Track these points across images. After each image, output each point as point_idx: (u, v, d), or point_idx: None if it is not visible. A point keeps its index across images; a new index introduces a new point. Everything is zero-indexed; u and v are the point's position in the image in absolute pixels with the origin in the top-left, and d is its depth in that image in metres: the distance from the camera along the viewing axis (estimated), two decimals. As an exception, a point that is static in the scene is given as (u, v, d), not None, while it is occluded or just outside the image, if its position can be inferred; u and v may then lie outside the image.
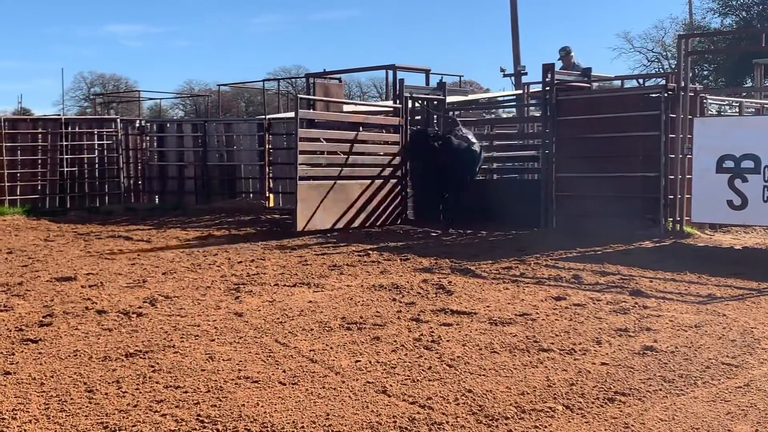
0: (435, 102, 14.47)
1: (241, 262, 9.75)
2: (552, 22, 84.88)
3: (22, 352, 5.52)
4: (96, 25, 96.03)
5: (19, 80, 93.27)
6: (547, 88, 12.78)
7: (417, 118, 14.70)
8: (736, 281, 8.14)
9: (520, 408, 4.32)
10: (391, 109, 14.58)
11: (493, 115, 20.62)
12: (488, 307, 6.94)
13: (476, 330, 6.10)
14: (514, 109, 17.18)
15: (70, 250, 11.17)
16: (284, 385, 4.75)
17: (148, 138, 19.17)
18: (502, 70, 22.00)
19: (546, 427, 4.08)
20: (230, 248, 11.13)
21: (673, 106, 11.38)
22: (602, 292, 7.56)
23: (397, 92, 14.12)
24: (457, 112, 15.16)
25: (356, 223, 13.19)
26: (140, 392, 4.61)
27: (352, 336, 5.94)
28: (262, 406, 4.36)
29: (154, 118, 32.33)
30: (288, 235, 12.36)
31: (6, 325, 6.34)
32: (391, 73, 15.05)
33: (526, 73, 20.81)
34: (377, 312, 6.76)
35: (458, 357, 5.33)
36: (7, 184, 16.44)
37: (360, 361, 5.27)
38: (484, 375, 4.94)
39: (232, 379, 4.85)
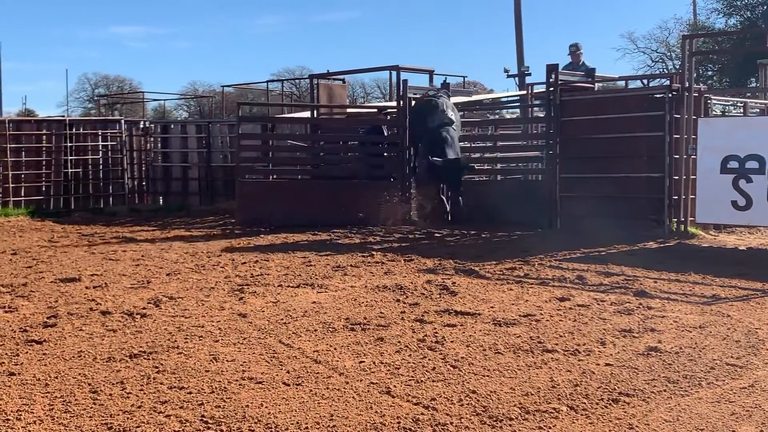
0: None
1: (245, 262, 9.75)
2: (556, 22, 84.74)
3: (27, 353, 5.53)
4: (100, 27, 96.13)
5: (23, 82, 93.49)
6: (551, 89, 12.77)
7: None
8: (740, 282, 8.13)
9: (524, 409, 4.31)
10: (395, 109, 14.57)
11: (496, 116, 20.60)
12: (492, 307, 6.93)
13: (480, 331, 6.10)
14: (517, 110, 17.15)
15: (75, 251, 11.18)
16: (288, 385, 4.75)
17: (152, 139, 19.22)
18: (506, 71, 21.92)
19: (550, 428, 4.08)
20: (234, 249, 11.12)
21: (677, 107, 11.36)
22: (606, 293, 7.55)
23: (401, 93, 14.11)
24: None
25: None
26: (144, 393, 4.61)
27: (356, 337, 5.95)
28: (266, 407, 4.36)
29: (158, 119, 32.30)
30: (293, 236, 12.36)
31: (11, 326, 6.35)
32: (394, 74, 15.05)
33: (529, 74, 20.76)
34: (381, 313, 6.76)
35: (462, 358, 5.33)
36: (11, 185, 16.47)
37: (364, 361, 5.27)
38: (488, 376, 4.93)
39: (236, 380, 4.85)
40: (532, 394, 4.56)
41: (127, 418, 4.20)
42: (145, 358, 5.35)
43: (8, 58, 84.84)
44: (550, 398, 4.50)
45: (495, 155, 14.99)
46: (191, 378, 4.90)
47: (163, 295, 7.52)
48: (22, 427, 4.11)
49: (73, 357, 5.41)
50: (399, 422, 4.14)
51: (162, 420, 4.18)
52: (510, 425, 4.10)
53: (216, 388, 4.70)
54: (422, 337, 5.89)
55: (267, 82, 24.83)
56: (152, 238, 12.69)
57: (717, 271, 8.58)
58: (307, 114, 16.92)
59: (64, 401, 4.47)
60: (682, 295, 7.47)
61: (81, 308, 7.01)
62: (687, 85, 11.32)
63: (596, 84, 14.69)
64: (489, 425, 4.11)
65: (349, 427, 4.09)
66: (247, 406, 4.38)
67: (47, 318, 6.60)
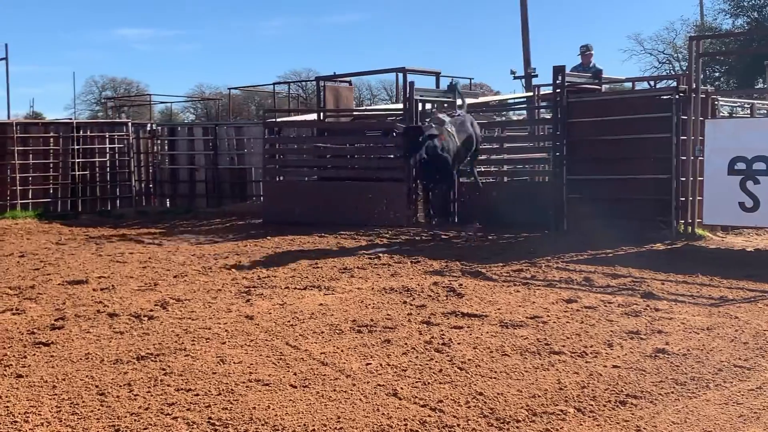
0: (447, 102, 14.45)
1: (252, 264, 9.75)
2: (562, 24, 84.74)
3: (34, 355, 5.55)
4: (107, 30, 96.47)
5: (30, 84, 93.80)
6: (558, 91, 12.76)
7: (427, 120, 14.69)
8: (748, 283, 8.10)
9: (532, 411, 4.31)
10: (401, 111, 14.57)
11: (503, 118, 20.60)
12: (499, 309, 6.93)
13: (487, 333, 6.09)
14: (524, 112, 17.16)
15: (82, 253, 11.21)
16: (295, 387, 4.76)
17: (159, 141, 19.24)
18: (513, 73, 22.01)
19: (557, 429, 4.07)
20: (241, 251, 11.14)
21: (684, 108, 11.33)
22: (614, 295, 7.53)
23: (407, 95, 14.11)
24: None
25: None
26: (152, 395, 4.62)
27: (363, 339, 5.95)
28: (273, 409, 4.36)
29: (165, 121, 32.39)
30: (299, 238, 12.37)
31: (18, 328, 6.37)
32: (401, 75, 15.06)
33: (536, 76, 20.82)
34: (388, 315, 6.75)
35: (469, 360, 5.33)
36: (19, 187, 16.51)
37: (371, 363, 5.27)
38: (495, 378, 4.93)
39: (243, 382, 4.86)
40: (539, 396, 4.56)
41: (135, 420, 4.20)
42: (152, 360, 5.36)
43: (16, 61, 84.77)
44: (557, 400, 4.49)
45: (502, 157, 14.97)
46: (198, 380, 4.91)
47: (170, 297, 7.53)
48: (29, 428, 4.13)
49: (81, 359, 5.42)
50: (406, 424, 4.14)
51: (169, 422, 4.19)
52: (517, 427, 4.10)
53: (223, 390, 4.70)
54: (429, 339, 5.89)
55: (273, 84, 24.91)
56: (159, 240, 12.71)
57: (724, 272, 8.56)
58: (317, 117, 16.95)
59: (71, 403, 4.49)
60: (689, 297, 7.45)
61: (88, 310, 7.02)
62: (694, 86, 11.30)
63: (603, 85, 14.66)
64: (496, 427, 4.10)
65: (356, 429, 4.09)
66: (254, 408, 4.39)
67: (55, 320, 6.61)
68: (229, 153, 18.43)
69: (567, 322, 6.43)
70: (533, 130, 15.50)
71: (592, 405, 4.40)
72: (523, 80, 21.62)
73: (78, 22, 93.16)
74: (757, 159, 10.08)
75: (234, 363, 5.30)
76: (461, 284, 8.10)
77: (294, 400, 4.52)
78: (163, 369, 5.15)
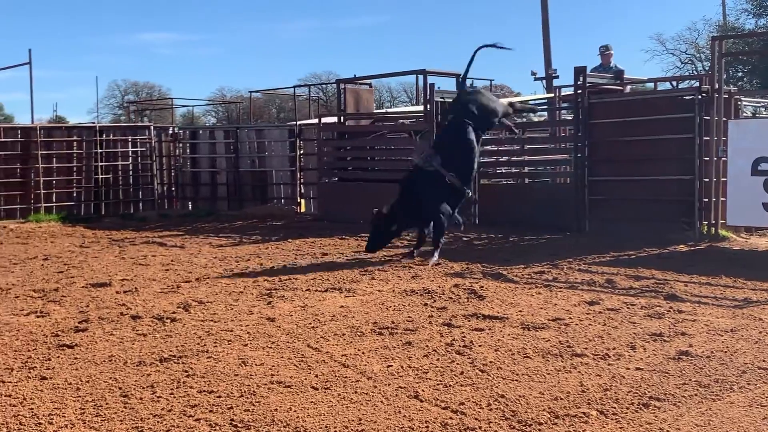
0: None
1: (273, 267, 9.79)
2: (584, 24, 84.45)
3: (58, 357, 5.59)
4: (129, 34, 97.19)
5: (54, 89, 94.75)
6: (579, 91, 12.71)
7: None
8: (772, 285, 8.03)
9: (554, 413, 4.29)
10: (422, 114, 14.57)
11: (524, 119, 20.52)
12: (521, 311, 6.91)
13: (509, 335, 6.07)
14: (545, 113, 17.08)
15: (105, 256, 11.29)
16: (316, 389, 4.77)
17: (181, 145, 19.34)
18: (533, 74, 21.86)
19: (580, 432, 4.06)
20: (262, 254, 11.18)
21: (707, 109, 11.26)
22: (636, 297, 7.49)
23: (428, 97, 14.11)
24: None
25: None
26: (174, 397, 4.64)
27: (384, 341, 5.95)
28: (294, 411, 4.37)
29: (187, 125, 32.58)
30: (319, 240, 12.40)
31: (42, 330, 6.42)
32: (421, 77, 15.06)
33: (557, 77, 20.68)
34: (409, 317, 6.75)
35: (491, 362, 5.31)
36: (42, 191, 16.65)
37: (392, 366, 5.27)
38: (516, 380, 4.92)
39: (265, 384, 4.87)
40: (561, 399, 4.54)
41: (158, 422, 4.23)
42: (175, 362, 5.38)
43: (39, 65, 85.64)
44: (579, 403, 4.47)
45: (522, 158, 14.92)
46: (221, 382, 4.93)
47: (192, 300, 7.57)
48: (53, 430, 4.16)
49: (104, 361, 5.46)
50: (427, 427, 4.13)
51: (192, 424, 4.21)
52: (539, 430, 4.08)
53: (245, 392, 4.72)
54: (450, 341, 5.88)
55: (294, 87, 24.92)
56: (182, 243, 12.78)
57: (748, 274, 8.49)
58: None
59: (95, 405, 4.52)
60: (713, 299, 7.40)
61: (112, 313, 7.07)
62: (717, 86, 11.22)
63: (625, 86, 14.58)
64: (518, 430, 4.09)
65: (378, 431, 4.09)
66: (276, 410, 4.40)
67: (78, 322, 6.66)
68: (250, 156, 18.49)
69: (589, 324, 6.40)
70: (554, 132, 15.44)
71: (614, 407, 4.37)
72: (544, 81, 21.50)
73: (101, 27, 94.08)
74: (781, 159, 10.00)
75: (256, 365, 5.32)
76: (482, 286, 8.09)
77: (315, 402, 4.53)
78: (186, 371, 5.17)
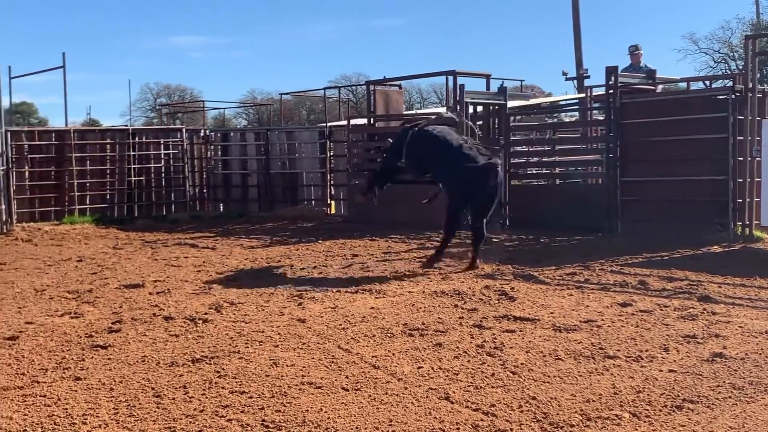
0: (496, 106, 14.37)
1: (303, 268, 9.82)
2: (615, 24, 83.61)
3: (92, 357, 5.65)
4: (161, 38, 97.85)
5: (88, 92, 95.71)
6: (611, 91, 12.62)
7: (479, 123, 14.65)
8: (809, 286, 7.92)
9: (586, 415, 4.26)
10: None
11: (555, 120, 20.43)
12: (552, 313, 6.87)
13: (540, 336, 6.04)
14: (576, 113, 17.01)
15: (138, 257, 11.39)
16: (347, 391, 4.77)
17: (212, 147, 19.46)
18: (564, 74, 21.74)
19: (612, 435, 4.02)
20: (293, 255, 11.22)
21: (740, 108, 11.13)
22: (669, 298, 7.42)
23: (458, 98, 14.08)
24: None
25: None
26: (206, 397, 4.68)
27: (414, 342, 5.94)
28: (325, 412, 4.38)
29: (218, 127, 32.83)
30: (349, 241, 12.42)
31: (76, 331, 6.49)
32: (451, 78, 15.02)
33: (588, 77, 20.56)
34: (439, 318, 6.74)
35: (522, 364, 5.29)
36: (77, 193, 16.82)
37: (422, 367, 5.26)
38: (548, 382, 4.89)
39: (296, 385, 4.89)
40: (593, 401, 4.51)
41: (190, 422, 4.26)
42: (206, 363, 5.42)
43: (73, 69, 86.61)
44: (612, 405, 4.44)
45: (554, 159, 14.84)
46: (252, 383, 4.95)
47: (224, 301, 7.62)
48: (87, 430, 4.20)
49: (137, 362, 5.51)
50: (458, 428, 4.12)
51: (224, 424, 4.23)
52: (571, 432, 4.06)
53: (276, 392, 4.74)
54: (481, 342, 5.86)
55: (324, 89, 25.00)
56: (213, 244, 12.85)
57: (784, 275, 8.38)
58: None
59: (128, 405, 4.56)
60: (747, 300, 7.31)
61: (144, 314, 7.13)
62: (750, 85, 11.09)
63: (658, 86, 14.46)
64: (549, 432, 4.07)
65: (409, 432, 4.09)
66: (307, 410, 4.41)
67: (112, 323, 6.73)
68: (281, 158, 18.56)
69: (622, 326, 6.35)
70: (586, 132, 15.34)
71: (647, 410, 4.34)
72: (575, 81, 21.38)
73: (133, 31, 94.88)
74: (816, 159, 9.86)
75: (287, 366, 5.34)
76: (513, 288, 8.05)
77: (346, 403, 4.54)
78: (218, 371, 5.21)
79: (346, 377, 5.05)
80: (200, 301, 7.72)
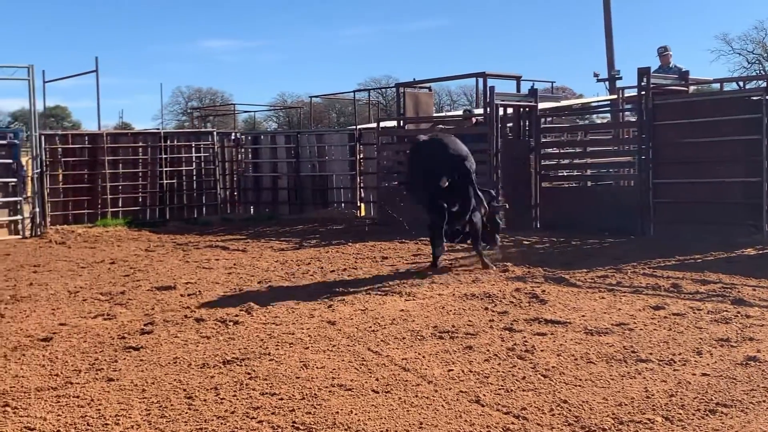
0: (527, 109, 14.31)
1: (333, 270, 9.84)
2: (647, 25, 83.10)
3: (125, 359, 5.70)
4: (192, 42, 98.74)
5: (120, 96, 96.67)
6: (643, 93, 12.52)
7: (509, 125, 14.61)
8: None
9: (618, 419, 4.23)
10: (482, 117, 14.51)
11: (586, 121, 20.32)
12: (583, 316, 6.82)
13: (571, 340, 6.00)
14: (608, 115, 16.88)
15: (170, 260, 11.48)
16: (377, 393, 4.77)
17: (243, 150, 19.59)
18: (596, 75, 21.59)
19: (644, 439, 3.99)
20: (323, 257, 11.25)
21: (774, 109, 10.99)
22: (703, 301, 7.34)
23: (488, 100, 14.04)
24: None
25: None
26: (237, 399, 4.70)
27: (445, 345, 5.93)
28: (355, 414, 4.39)
29: (249, 130, 33.02)
30: (380, 244, 12.42)
31: (109, 333, 6.56)
32: (481, 80, 15.00)
33: (620, 78, 20.41)
34: (469, 321, 6.72)
35: (553, 367, 5.26)
36: (109, 196, 17.00)
37: (453, 370, 5.25)
38: (579, 385, 4.86)
39: (326, 387, 4.90)
40: (625, 405, 4.47)
41: (221, 424, 4.28)
42: (237, 365, 5.45)
43: (106, 73, 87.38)
44: (644, 409, 4.40)
45: (585, 161, 14.75)
46: (282, 384, 4.97)
47: (254, 303, 7.65)
48: (120, 431, 4.24)
49: (169, 363, 5.55)
50: (489, 431, 4.11)
51: (255, 425, 4.25)
52: (603, 436, 4.03)
53: (306, 394, 4.75)
54: (511, 345, 5.84)
55: (354, 91, 25.08)
56: (244, 247, 12.92)
57: (820, 278, 8.25)
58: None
59: (160, 406, 4.60)
60: (782, 304, 7.21)
61: (176, 315, 7.19)
62: (785, 86, 10.94)
63: (690, 87, 14.32)
64: (581, 435, 4.04)
65: (439, 435, 4.08)
66: (337, 412, 4.42)
67: (144, 325, 6.79)
68: (311, 160, 18.63)
69: (654, 329, 6.29)
70: (617, 134, 15.23)
71: (680, 414, 4.29)
72: (607, 83, 21.23)
73: (165, 36, 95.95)
74: None
75: (317, 368, 5.35)
76: (544, 290, 8.01)
77: (376, 406, 4.54)
78: (249, 373, 5.23)
79: (376, 379, 5.05)
80: (231, 303, 7.76)
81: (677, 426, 4.13)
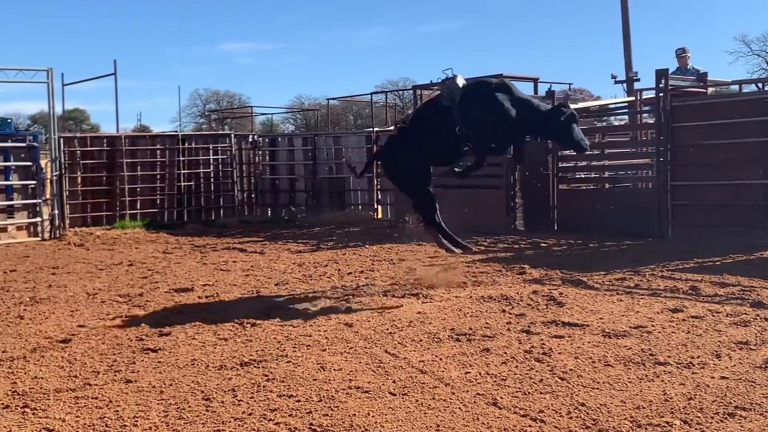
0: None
1: (350, 273, 9.86)
2: (665, 26, 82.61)
3: (143, 360, 5.73)
4: (210, 45, 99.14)
5: (138, 99, 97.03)
6: (661, 94, 12.47)
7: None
8: None
9: (636, 422, 4.21)
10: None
11: (604, 123, 20.22)
12: (601, 319, 6.79)
13: (589, 342, 5.98)
14: (626, 117, 16.80)
15: (188, 262, 11.53)
16: (394, 395, 4.77)
17: (260, 152, 19.64)
18: (614, 77, 21.48)
19: (663, 442, 3.97)
20: (339, 259, 11.26)
21: (794, 111, 10.92)
22: (721, 304, 7.29)
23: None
24: None
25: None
26: (255, 401, 4.71)
27: (462, 347, 5.92)
28: (372, 416, 4.39)
29: (266, 132, 33.10)
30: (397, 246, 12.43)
31: (127, 334, 6.59)
32: (498, 82, 14.93)
33: (638, 80, 20.30)
34: (487, 323, 6.71)
35: (570, 370, 5.24)
36: (127, 198, 17.09)
37: (470, 372, 5.24)
38: (597, 388, 4.84)
39: (343, 389, 4.90)
40: (643, 408, 4.45)
41: (239, 426, 4.29)
42: (255, 367, 5.46)
43: (124, 76, 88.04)
44: (662, 412, 4.37)
45: (603, 163, 14.69)
46: (299, 386, 4.98)
47: (271, 305, 7.66)
48: (139, 432, 4.26)
49: (187, 365, 5.57)
50: (506, 434, 4.10)
51: (272, 427, 4.26)
52: (621, 439, 4.01)
53: (324, 396, 4.76)
54: (529, 348, 5.82)
55: (371, 94, 25.14)
56: (261, 249, 12.96)
57: (841, 281, 8.19)
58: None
59: (178, 408, 4.61)
60: (803, 307, 7.15)
61: (194, 317, 7.21)
62: (805, 87, 10.87)
63: (708, 88, 14.24)
64: (599, 439, 4.03)
65: (456, 437, 4.08)
66: (354, 415, 4.42)
67: (162, 327, 6.82)
68: (328, 162, 18.66)
69: (672, 332, 6.26)
70: (635, 136, 15.16)
71: (699, 417, 4.27)
72: (625, 84, 21.14)
73: (183, 39, 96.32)
74: None
75: (334, 370, 5.35)
76: (561, 293, 7.98)
77: (393, 408, 4.53)
78: (266, 375, 5.24)
79: (393, 382, 5.05)
80: (248, 305, 7.77)
81: (696, 429, 4.11)
